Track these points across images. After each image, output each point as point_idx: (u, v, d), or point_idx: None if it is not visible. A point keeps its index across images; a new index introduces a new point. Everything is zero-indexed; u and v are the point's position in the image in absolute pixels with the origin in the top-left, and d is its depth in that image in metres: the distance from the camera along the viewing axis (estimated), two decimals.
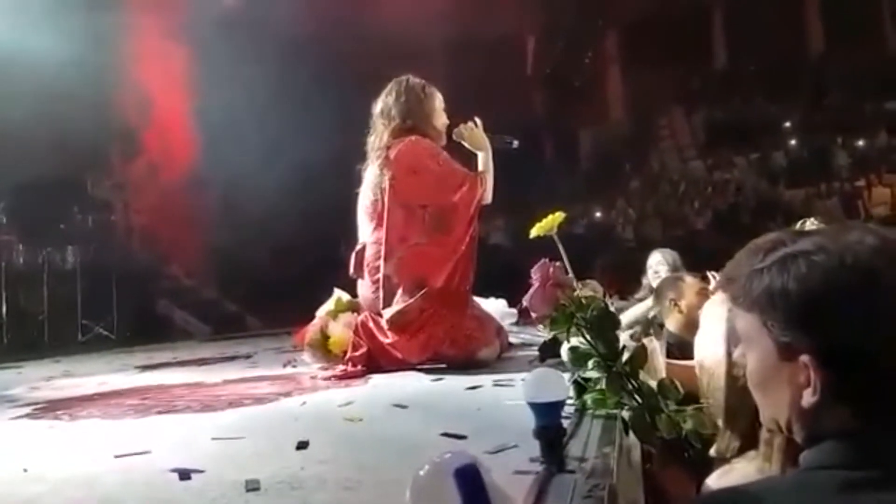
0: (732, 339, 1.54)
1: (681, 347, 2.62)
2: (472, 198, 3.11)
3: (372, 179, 3.14)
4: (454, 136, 3.25)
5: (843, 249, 0.82)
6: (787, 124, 12.64)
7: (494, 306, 3.74)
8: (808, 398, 0.82)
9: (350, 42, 8.91)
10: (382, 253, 3.05)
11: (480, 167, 3.20)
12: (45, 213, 6.49)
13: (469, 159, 3.26)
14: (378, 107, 3.21)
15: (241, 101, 7.57)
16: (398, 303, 2.97)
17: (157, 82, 8.18)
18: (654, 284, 3.64)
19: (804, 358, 0.82)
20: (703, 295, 2.76)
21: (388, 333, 2.98)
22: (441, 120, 3.25)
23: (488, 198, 3.20)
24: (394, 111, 3.16)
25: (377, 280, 3.05)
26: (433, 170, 3.10)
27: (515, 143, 3.36)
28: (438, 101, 3.26)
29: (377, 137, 3.18)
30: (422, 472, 0.72)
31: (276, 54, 8.02)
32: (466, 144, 3.24)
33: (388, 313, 2.98)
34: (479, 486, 0.63)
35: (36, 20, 6.43)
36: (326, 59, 8.75)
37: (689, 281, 2.89)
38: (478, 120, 3.26)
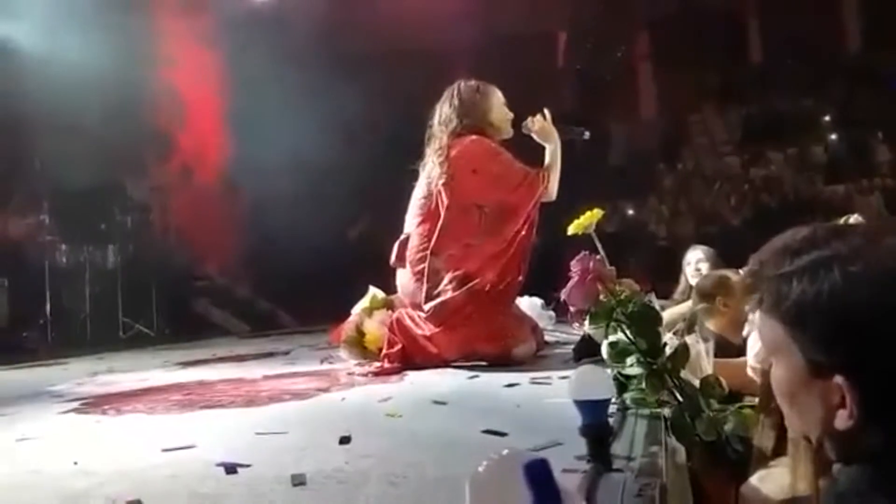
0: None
1: (721, 347, 2.58)
2: (531, 196, 3.10)
3: (428, 175, 3.16)
4: (523, 129, 3.23)
5: (884, 254, 0.74)
6: (827, 118, 12.36)
7: (529, 304, 3.73)
8: (843, 420, 0.75)
9: (383, 41, 8.95)
10: (431, 248, 3.05)
11: (547, 160, 3.18)
12: (86, 214, 6.63)
13: (538, 152, 3.23)
14: (435, 118, 3.23)
15: (272, 102, 7.65)
16: (442, 294, 2.98)
17: (190, 85, 8.31)
18: (694, 282, 3.59)
19: (838, 379, 0.74)
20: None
21: (426, 326, 2.98)
22: (501, 115, 3.23)
23: (552, 194, 3.18)
24: (450, 116, 3.17)
25: (419, 271, 3.06)
26: (493, 170, 3.09)
27: (587, 135, 3.32)
28: (496, 96, 3.25)
29: (436, 140, 3.18)
30: (481, 469, 0.71)
31: (306, 56, 8.09)
32: (535, 137, 3.21)
33: (429, 305, 2.99)
34: (549, 481, 0.62)
35: (73, 26, 6.57)
36: (357, 59, 8.79)
37: (736, 279, 2.84)
38: (547, 112, 3.22)
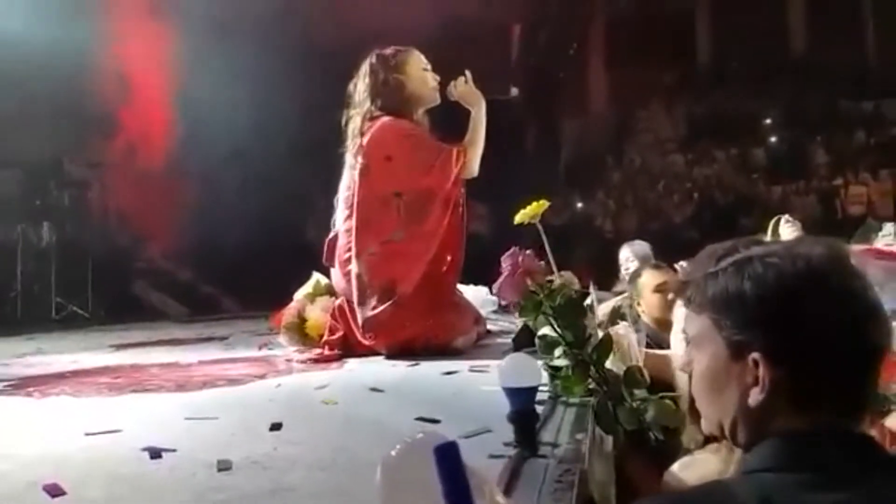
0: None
1: (654, 339, 2.66)
2: (446, 176, 2.86)
3: (348, 167, 3.00)
4: (448, 96, 2.99)
5: (795, 255, 0.85)
6: (768, 121, 12.76)
7: (475, 294, 3.73)
8: (755, 396, 0.84)
9: (333, 22, 8.83)
10: (353, 248, 2.87)
11: (470, 129, 2.95)
12: (20, 189, 6.39)
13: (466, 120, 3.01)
14: (352, 94, 3.01)
15: (221, 82, 7.48)
16: (369, 305, 2.82)
17: (137, 61, 8.05)
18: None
19: (754, 355, 0.83)
20: (661, 290, 2.79)
21: (365, 334, 2.84)
22: (422, 84, 2.99)
23: (472, 170, 2.94)
24: (364, 94, 2.95)
25: (348, 272, 2.91)
26: (406, 153, 2.88)
27: (515, 91, 3.11)
28: (413, 64, 3.00)
29: (352, 124, 2.97)
30: (393, 452, 0.71)
31: (257, 36, 7.92)
32: (461, 102, 2.97)
33: (360, 316, 2.84)
34: (458, 464, 0.63)
35: None
36: (309, 41, 8.65)
37: (645, 280, 2.91)
38: (468, 73, 2.98)
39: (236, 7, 8.07)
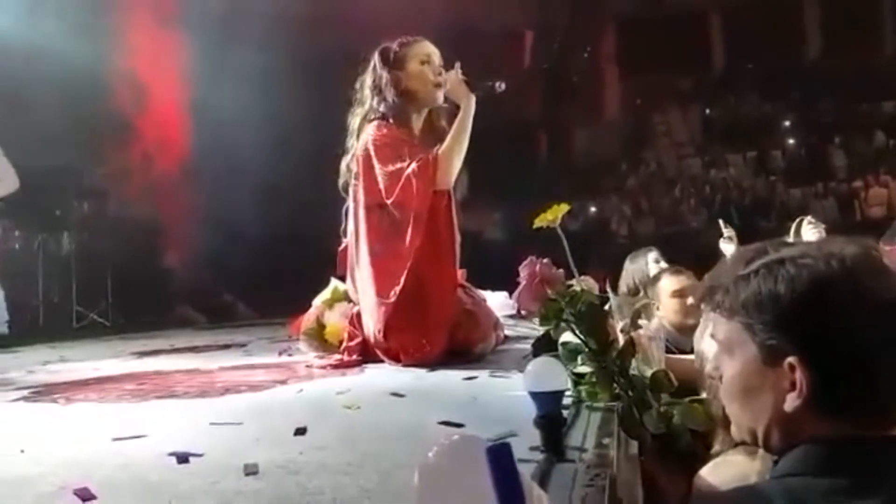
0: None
1: (673, 343, 2.64)
2: (416, 190, 2.60)
3: (343, 172, 2.91)
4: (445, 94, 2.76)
5: (827, 255, 0.83)
6: (786, 124, 12.67)
7: (494, 300, 3.71)
8: (792, 401, 0.82)
9: (348, 27, 8.89)
10: (349, 259, 2.84)
11: (454, 129, 2.68)
12: (40, 200, 6.47)
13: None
14: (359, 91, 2.85)
15: (236, 90, 7.55)
16: (366, 325, 2.78)
17: (152, 70, 8.15)
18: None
19: (791, 359, 0.82)
20: (679, 295, 2.79)
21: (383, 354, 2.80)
22: (418, 83, 2.75)
23: (446, 181, 2.66)
24: (367, 93, 2.78)
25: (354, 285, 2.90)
26: (382, 163, 2.66)
27: (502, 87, 2.80)
28: (413, 60, 2.75)
29: (351, 125, 2.85)
30: (431, 454, 0.71)
31: (272, 42, 7.99)
32: (450, 97, 2.75)
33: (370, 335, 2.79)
34: (512, 466, 0.62)
35: (30, 7, 6.39)
36: (324, 46, 8.70)
37: (663, 284, 2.91)
38: (458, 65, 2.72)
39: (249, 15, 8.15)
